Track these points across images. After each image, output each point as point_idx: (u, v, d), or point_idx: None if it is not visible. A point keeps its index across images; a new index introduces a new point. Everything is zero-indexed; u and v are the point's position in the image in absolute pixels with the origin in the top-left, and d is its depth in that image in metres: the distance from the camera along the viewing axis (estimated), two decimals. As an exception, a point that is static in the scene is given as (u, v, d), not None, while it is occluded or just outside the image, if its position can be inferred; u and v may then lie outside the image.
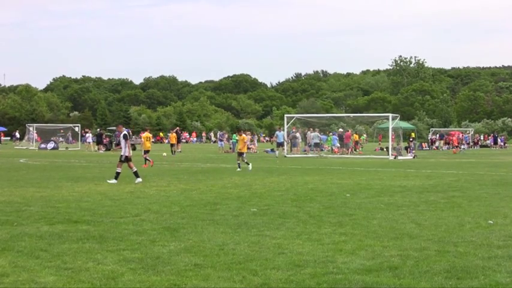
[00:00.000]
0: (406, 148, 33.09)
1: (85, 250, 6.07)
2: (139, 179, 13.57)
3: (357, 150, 35.54)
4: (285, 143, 30.83)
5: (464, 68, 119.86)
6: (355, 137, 37.98)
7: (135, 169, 13.76)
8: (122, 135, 14.10)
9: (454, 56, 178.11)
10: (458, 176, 16.42)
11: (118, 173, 13.66)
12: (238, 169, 17.88)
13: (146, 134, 22.01)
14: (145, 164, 20.16)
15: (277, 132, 32.57)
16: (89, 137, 40.43)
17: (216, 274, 5.13)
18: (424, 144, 45.45)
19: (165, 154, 31.40)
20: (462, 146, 40.09)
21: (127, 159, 13.79)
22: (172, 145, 33.20)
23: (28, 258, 5.71)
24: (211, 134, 72.41)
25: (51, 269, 5.31)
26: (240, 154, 18.60)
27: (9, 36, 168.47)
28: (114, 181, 13.48)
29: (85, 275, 5.10)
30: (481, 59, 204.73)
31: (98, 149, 37.18)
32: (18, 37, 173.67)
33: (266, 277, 5.04)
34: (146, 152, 20.92)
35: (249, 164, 18.20)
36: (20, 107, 76.68)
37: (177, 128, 43.64)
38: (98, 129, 45.06)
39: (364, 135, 45.21)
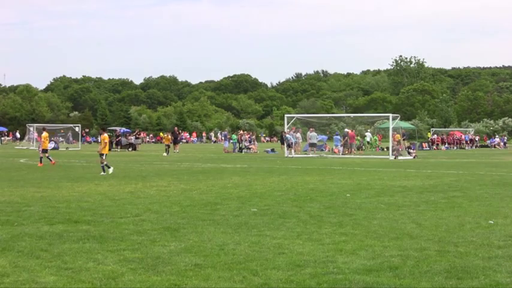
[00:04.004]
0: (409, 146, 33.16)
1: (85, 250, 6.07)
2: None
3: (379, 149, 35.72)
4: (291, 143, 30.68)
5: (464, 68, 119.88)
6: (382, 137, 37.46)
7: None
8: None
9: (455, 56, 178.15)
10: (459, 176, 16.41)
11: None
12: (103, 173, 16.30)
13: (45, 134, 22.32)
14: (41, 163, 20.55)
15: (308, 133, 32.55)
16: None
17: (217, 274, 5.13)
18: (425, 144, 45.45)
19: (165, 154, 31.48)
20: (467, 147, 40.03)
21: None
22: (167, 145, 33.57)
23: (28, 258, 5.71)
24: (212, 134, 72.38)
25: (51, 269, 5.32)
26: (101, 155, 17.07)
27: (10, 36, 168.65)
28: None
29: (85, 275, 5.10)
30: (481, 59, 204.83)
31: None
32: (19, 37, 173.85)
33: (266, 277, 5.04)
34: (45, 151, 21.19)
35: (109, 168, 16.60)
36: (20, 107, 76.71)
37: (175, 128, 43.79)
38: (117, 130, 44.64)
39: (376, 135, 45.11)
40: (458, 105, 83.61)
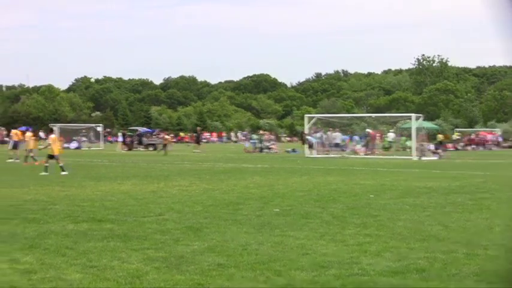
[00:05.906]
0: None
1: (110, 249, 6.12)
2: None
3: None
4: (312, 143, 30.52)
5: (490, 67, 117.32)
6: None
7: None
8: None
9: (479, 55, 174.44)
10: (486, 177, 16.04)
11: None
12: (45, 173, 15.94)
13: (29, 134, 22.46)
14: (27, 162, 20.76)
15: (329, 133, 32.45)
16: (120, 136, 42.11)
17: (240, 274, 5.10)
18: (449, 145, 44.60)
19: (198, 151, 31.66)
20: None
21: None
22: (164, 145, 34.12)
23: (55, 256, 5.78)
24: (232, 133, 72.62)
25: (77, 266, 5.37)
26: (51, 157, 16.61)
27: (32, 37, 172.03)
28: None
29: (110, 273, 5.13)
30: (507, 58, 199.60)
31: (122, 148, 38.28)
32: (41, 38, 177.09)
33: (290, 278, 4.99)
34: (31, 150, 21.40)
35: (45, 171, 16.17)
36: (43, 107, 78.20)
37: (198, 128, 44.18)
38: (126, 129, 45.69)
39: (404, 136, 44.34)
40: (484, 104, 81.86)
